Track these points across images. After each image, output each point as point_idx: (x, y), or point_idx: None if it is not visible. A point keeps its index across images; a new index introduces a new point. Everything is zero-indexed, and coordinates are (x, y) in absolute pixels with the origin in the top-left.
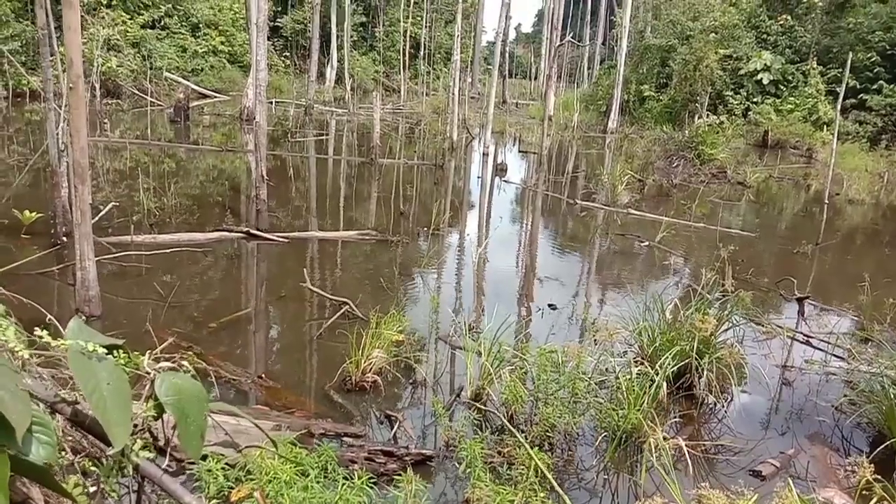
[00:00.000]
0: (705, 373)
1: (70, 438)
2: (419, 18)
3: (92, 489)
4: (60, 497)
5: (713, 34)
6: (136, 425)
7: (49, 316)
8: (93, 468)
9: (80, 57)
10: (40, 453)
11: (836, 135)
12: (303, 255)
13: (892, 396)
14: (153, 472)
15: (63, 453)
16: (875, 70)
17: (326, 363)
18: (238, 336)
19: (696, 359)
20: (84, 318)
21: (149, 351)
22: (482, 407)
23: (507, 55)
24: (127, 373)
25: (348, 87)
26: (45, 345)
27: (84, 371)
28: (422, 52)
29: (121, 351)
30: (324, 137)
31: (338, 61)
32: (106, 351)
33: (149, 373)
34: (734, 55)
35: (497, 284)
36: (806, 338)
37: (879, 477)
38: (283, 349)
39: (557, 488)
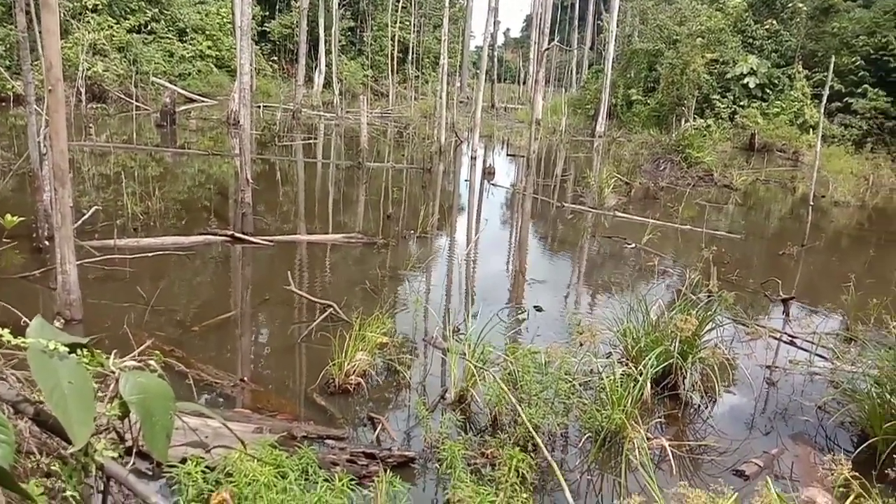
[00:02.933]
0: (689, 373)
1: (36, 440)
2: (407, 23)
3: (67, 493)
4: (24, 498)
5: (700, 38)
6: (101, 425)
7: (24, 319)
8: (59, 469)
9: (59, 60)
10: None
11: (820, 138)
12: (290, 259)
13: (875, 396)
14: (118, 472)
15: (31, 456)
16: (859, 74)
17: (311, 366)
18: (221, 339)
19: (679, 359)
20: (64, 322)
21: (115, 351)
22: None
23: (495, 60)
24: (92, 372)
25: (336, 92)
26: (11, 346)
27: (44, 369)
28: (410, 57)
29: (84, 350)
30: (312, 142)
31: (326, 66)
32: (68, 350)
33: (113, 372)
34: (721, 59)
35: (484, 287)
36: (790, 338)
37: (857, 474)
38: (266, 352)
39: (553, 464)
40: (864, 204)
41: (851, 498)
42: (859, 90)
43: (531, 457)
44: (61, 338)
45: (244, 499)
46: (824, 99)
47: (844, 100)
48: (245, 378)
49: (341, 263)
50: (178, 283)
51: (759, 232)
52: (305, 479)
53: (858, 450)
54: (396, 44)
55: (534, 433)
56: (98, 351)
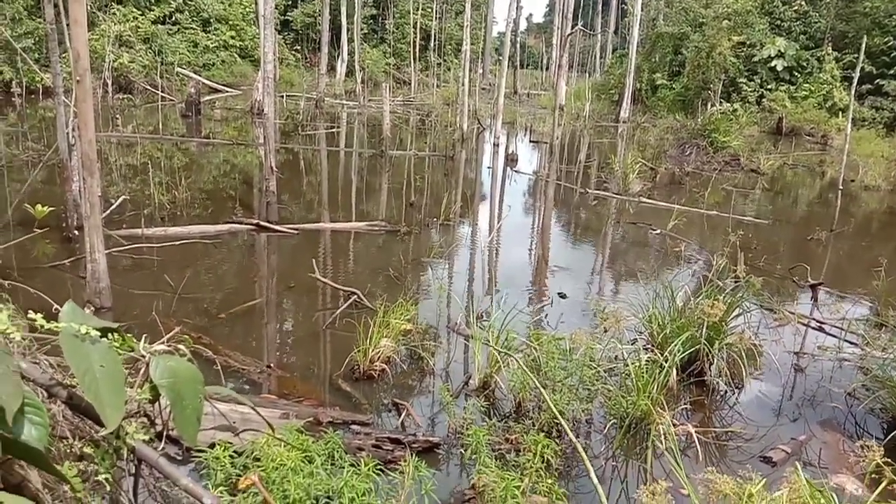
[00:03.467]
0: (716, 359)
1: (69, 423)
2: (429, 10)
3: (100, 476)
4: (59, 480)
5: (726, 21)
6: (132, 409)
7: (55, 306)
8: (92, 453)
9: (86, 50)
10: (32, 434)
11: (850, 121)
12: (314, 247)
13: None
14: (149, 455)
15: (65, 440)
16: (892, 55)
17: (336, 352)
18: (248, 326)
19: (706, 345)
20: (94, 310)
21: (144, 335)
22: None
23: (517, 45)
24: (122, 356)
25: (359, 80)
26: (43, 330)
27: (76, 353)
28: (432, 44)
29: (115, 334)
30: (335, 130)
31: (348, 54)
32: (100, 334)
33: (144, 356)
34: (748, 42)
35: (507, 274)
36: (819, 324)
37: (890, 461)
38: (292, 339)
39: (579, 447)
40: None
41: (884, 485)
42: (891, 71)
43: (556, 442)
44: (92, 322)
45: (272, 483)
46: (854, 81)
47: (875, 82)
48: (271, 364)
49: (365, 251)
50: (204, 271)
51: (787, 217)
52: (332, 464)
53: (889, 436)
54: (418, 31)
55: (560, 417)
56: (129, 335)
